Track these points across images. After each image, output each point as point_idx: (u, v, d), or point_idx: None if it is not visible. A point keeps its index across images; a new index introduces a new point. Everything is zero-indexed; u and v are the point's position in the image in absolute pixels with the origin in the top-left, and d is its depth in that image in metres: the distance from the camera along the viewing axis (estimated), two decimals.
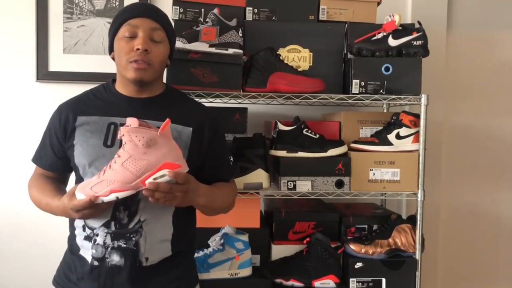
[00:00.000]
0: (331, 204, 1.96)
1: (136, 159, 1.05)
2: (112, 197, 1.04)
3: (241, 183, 1.61)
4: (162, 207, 1.19)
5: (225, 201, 1.32)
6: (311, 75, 1.68)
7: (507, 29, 2.30)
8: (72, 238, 1.22)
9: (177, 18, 1.69)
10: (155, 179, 1.05)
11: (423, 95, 1.65)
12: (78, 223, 1.19)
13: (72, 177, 1.30)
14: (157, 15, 1.25)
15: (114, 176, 1.05)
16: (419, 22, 1.71)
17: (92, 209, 1.08)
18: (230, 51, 1.58)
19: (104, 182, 1.05)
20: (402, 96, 1.68)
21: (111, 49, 1.27)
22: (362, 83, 1.68)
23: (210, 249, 1.61)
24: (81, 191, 1.07)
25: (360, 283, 1.65)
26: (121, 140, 1.18)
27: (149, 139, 1.05)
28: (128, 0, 2.04)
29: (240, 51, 1.59)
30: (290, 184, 1.65)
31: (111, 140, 1.19)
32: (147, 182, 1.04)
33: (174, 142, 1.10)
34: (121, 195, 1.04)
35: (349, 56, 1.74)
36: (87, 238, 1.17)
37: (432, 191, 2.02)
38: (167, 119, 1.09)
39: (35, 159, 1.31)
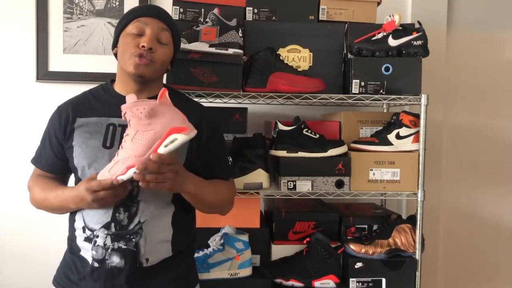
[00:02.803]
0: (331, 204, 1.96)
1: (143, 131, 1.06)
2: (130, 173, 1.05)
3: (241, 183, 1.61)
4: (161, 208, 1.19)
5: (218, 196, 1.29)
6: (311, 75, 1.68)
7: (507, 29, 2.30)
8: (72, 239, 1.22)
9: (177, 18, 1.69)
10: (166, 146, 1.06)
11: (423, 95, 1.65)
12: (78, 224, 1.20)
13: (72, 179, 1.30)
14: (167, 18, 1.27)
15: (127, 153, 1.06)
16: (419, 22, 1.71)
17: (111, 191, 1.08)
18: (230, 51, 1.58)
19: (120, 162, 1.06)
20: (402, 96, 1.68)
21: (115, 45, 1.28)
22: (362, 83, 1.68)
23: (210, 249, 1.61)
24: (100, 177, 1.08)
25: (360, 283, 1.65)
26: (120, 141, 1.19)
27: (150, 109, 1.06)
28: (128, 0, 2.04)
29: (240, 51, 1.59)
30: (290, 184, 1.65)
31: (110, 141, 1.19)
32: (151, 156, 1.04)
33: (175, 108, 1.10)
34: (136, 170, 1.04)
35: (349, 56, 1.74)
36: (87, 239, 1.17)
37: (432, 191, 2.02)
38: (163, 88, 1.09)
39: (35, 161, 1.31)
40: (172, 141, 1.06)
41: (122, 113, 1.10)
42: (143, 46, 1.19)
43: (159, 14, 1.26)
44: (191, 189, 1.17)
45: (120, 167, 1.05)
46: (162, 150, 1.06)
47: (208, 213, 1.33)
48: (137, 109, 1.06)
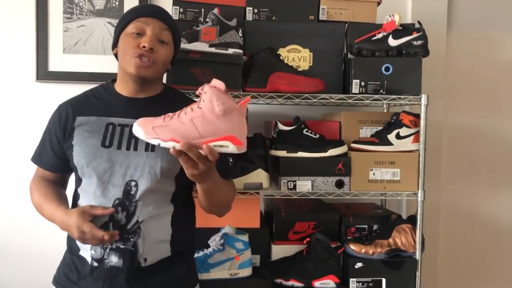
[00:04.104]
0: (331, 204, 1.96)
1: (207, 120, 1.03)
2: (169, 144, 1.02)
3: (241, 183, 1.61)
4: (160, 208, 1.19)
5: (226, 197, 1.28)
6: (311, 75, 1.68)
7: (507, 29, 2.30)
8: (71, 239, 1.22)
9: (177, 18, 1.69)
10: (215, 145, 1.03)
11: (423, 95, 1.65)
12: None
13: (72, 178, 1.30)
14: (167, 18, 1.27)
15: (180, 127, 1.03)
16: (419, 22, 1.71)
17: (96, 240, 1.10)
18: (230, 51, 1.58)
19: (168, 128, 1.03)
20: (402, 96, 1.68)
21: (115, 45, 1.28)
22: (362, 83, 1.68)
23: (210, 249, 1.61)
24: (140, 125, 1.04)
25: (360, 283, 1.65)
26: (119, 141, 1.19)
27: (227, 108, 1.03)
28: (128, 0, 2.04)
29: (240, 51, 1.59)
30: (290, 184, 1.65)
31: (109, 140, 1.19)
32: (204, 146, 1.02)
33: (245, 121, 1.08)
34: (178, 146, 1.02)
35: (349, 56, 1.74)
36: None
37: (432, 191, 2.02)
38: (248, 97, 1.07)
39: (35, 159, 1.31)
40: (222, 146, 1.04)
41: (200, 89, 1.06)
42: (144, 47, 1.19)
43: (159, 14, 1.26)
44: (209, 184, 1.14)
45: (166, 134, 1.02)
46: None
47: (210, 212, 1.29)
48: (217, 100, 1.03)
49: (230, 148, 1.04)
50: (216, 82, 1.05)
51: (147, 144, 1.19)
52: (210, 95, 1.03)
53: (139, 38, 1.20)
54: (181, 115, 1.05)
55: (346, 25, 1.76)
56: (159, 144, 1.03)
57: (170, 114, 1.06)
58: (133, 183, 1.16)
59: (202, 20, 1.69)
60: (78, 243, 1.19)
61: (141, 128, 1.04)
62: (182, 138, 1.01)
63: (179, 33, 1.32)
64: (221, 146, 1.04)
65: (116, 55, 1.28)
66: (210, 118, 1.03)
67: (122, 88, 1.27)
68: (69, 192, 1.31)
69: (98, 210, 1.14)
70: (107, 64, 2.00)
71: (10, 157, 2.04)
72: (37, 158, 1.31)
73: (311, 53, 1.74)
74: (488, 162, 2.31)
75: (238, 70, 1.62)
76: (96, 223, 1.14)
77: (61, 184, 1.33)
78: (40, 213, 1.25)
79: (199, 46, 1.57)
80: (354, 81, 1.68)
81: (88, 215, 1.12)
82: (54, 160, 1.27)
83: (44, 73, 2.02)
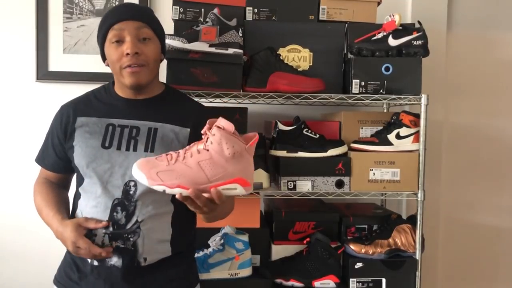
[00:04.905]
0: (331, 204, 1.95)
1: (216, 164, 1.00)
2: (176, 191, 0.99)
3: None
4: (160, 208, 1.20)
5: (227, 210, 1.28)
6: (311, 75, 1.68)
7: (507, 29, 2.30)
8: None
9: (177, 18, 1.69)
10: (223, 189, 1.01)
11: (423, 95, 1.65)
12: None
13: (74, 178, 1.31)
14: (140, 15, 1.23)
15: (186, 171, 1.00)
16: (419, 22, 1.71)
17: (90, 254, 1.12)
18: (230, 51, 1.58)
19: (174, 173, 1.00)
20: (402, 96, 1.68)
21: (104, 57, 1.26)
22: (362, 83, 1.68)
23: (210, 249, 1.61)
24: (142, 170, 1.01)
25: (360, 283, 1.65)
26: (119, 142, 1.19)
27: (237, 151, 1.01)
28: (127, 0, 2.03)
29: (240, 51, 1.59)
30: (290, 184, 1.65)
31: (109, 141, 1.20)
32: (212, 190, 1.00)
33: (252, 159, 1.06)
34: (185, 193, 0.99)
35: (349, 56, 1.74)
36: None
37: (432, 191, 2.02)
38: (257, 135, 1.04)
39: (38, 159, 1.32)
40: (229, 188, 1.02)
41: (207, 128, 1.03)
42: (127, 54, 1.17)
43: (132, 14, 1.21)
44: (208, 214, 1.10)
45: (172, 180, 0.99)
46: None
47: (210, 223, 1.26)
48: (226, 143, 1.00)
49: (238, 190, 1.03)
50: (224, 123, 1.01)
51: (147, 144, 1.19)
52: (219, 137, 1.00)
53: (121, 46, 1.19)
54: (186, 157, 1.01)
55: (346, 25, 1.76)
56: (164, 191, 1.00)
57: (173, 154, 1.03)
58: (131, 183, 1.16)
59: (202, 20, 1.69)
60: None
61: (143, 174, 1.00)
62: (189, 183, 0.99)
63: (158, 24, 1.27)
64: (228, 188, 1.02)
65: (109, 65, 1.27)
66: (218, 161, 1.00)
67: (121, 91, 1.27)
68: (71, 192, 1.31)
69: (92, 224, 1.15)
70: None
71: (10, 157, 2.04)
72: (40, 159, 1.32)
73: (311, 53, 1.74)
74: (488, 162, 2.31)
75: (238, 70, 1.62)
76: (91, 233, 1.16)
77: (64, 185, 1.34)
78: (40, 216, 1.27)
79: (199, 46, 1.57)
80: (354, 81, 1.68)
81: (82, 229, 1.14)
82: (56, 161, 1.28)
83: (44, 73, 2.02)
